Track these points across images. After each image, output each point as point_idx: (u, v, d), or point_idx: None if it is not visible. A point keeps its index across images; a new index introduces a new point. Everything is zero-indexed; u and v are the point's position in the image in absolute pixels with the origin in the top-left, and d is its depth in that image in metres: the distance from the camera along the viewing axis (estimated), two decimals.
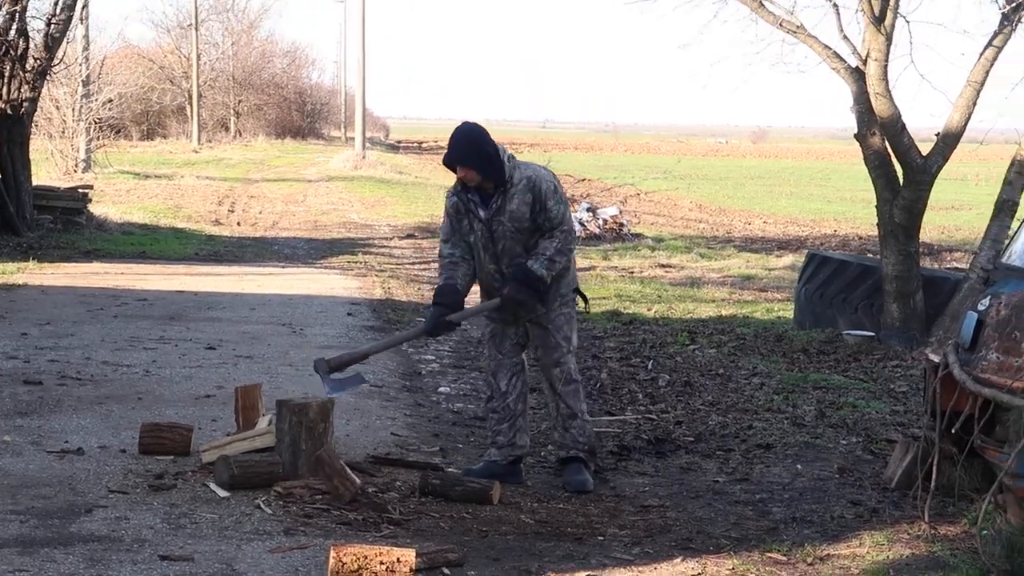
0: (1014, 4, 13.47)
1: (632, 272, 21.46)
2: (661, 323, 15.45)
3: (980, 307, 7.81)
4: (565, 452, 8.40)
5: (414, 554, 6.28)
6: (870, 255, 20.02)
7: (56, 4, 23.10)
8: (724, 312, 16.63)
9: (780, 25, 14.48)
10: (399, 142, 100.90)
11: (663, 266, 22.68)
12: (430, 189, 39.33)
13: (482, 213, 8.06)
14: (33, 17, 23.14)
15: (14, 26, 22.52)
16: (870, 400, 11.06)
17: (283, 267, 20.30)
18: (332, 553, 6.21)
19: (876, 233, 27.49)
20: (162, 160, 50.82)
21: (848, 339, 13.82)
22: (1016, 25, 13.89)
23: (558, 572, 6.63)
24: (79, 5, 23.67)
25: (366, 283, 18.17)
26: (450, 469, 8.46)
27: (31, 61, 22.94)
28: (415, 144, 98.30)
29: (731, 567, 6.84)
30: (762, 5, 14.39)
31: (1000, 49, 13.92)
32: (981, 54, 13.93)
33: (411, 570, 6.20)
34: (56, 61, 24.35)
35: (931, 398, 7.96)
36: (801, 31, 14.44)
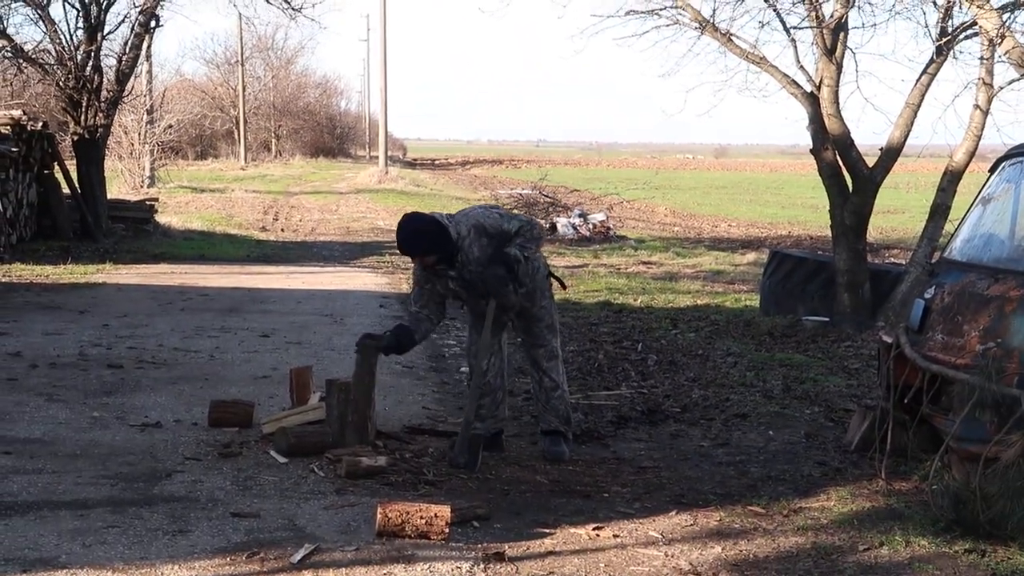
0: (946, 39, 13.45)
1: (619, 268, 21.40)
2: (646, 311, 15.39)
3: (926, 295, 7.81)
4: (547, 425, 8.25)
5: (449, 510, 6.26)
6: (821, 252, 19.96)
7: (126, 44, 23.07)
8: (699, 302, 16.56)
9: (746, 57, 14.43)
10: (415, 160, 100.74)
11: (645, 263, 22.62)
12: (444, 199, 39.26)
13: (452, 272, 7.81)
14: (106, 55, 23.13)
15: (90, 63, 22.50)
16: (828, 375, 11.03)
17: (323, 267, 20.25)
18: (379, 510, 6.19)
19: (825, 234, 27.50)
20: (214, 176, 50.71)
21: (807, 324, 13.79)
22: (947, 57, 13.87)
23: (571, 524, 6.60)
24: (145, 45, 23.59)
25: (393, 279, 18.12)
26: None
27: (104, 93, 22.92)
28: (429, 161, 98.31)
29: (718, 519, 6.82)
30: (730, 40, 14.32)
31: (933, 76, 13.90)
32: (917, 80, 13.92)
33: (446, 523, 6.19)
34: (126, 93, 24.33)
35: (885, 373, 7.95)
36: (764, 62, 14.40)
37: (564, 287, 8.55)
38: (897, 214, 37.49)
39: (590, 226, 27.95)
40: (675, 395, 10.16)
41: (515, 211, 8.12)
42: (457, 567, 5.82)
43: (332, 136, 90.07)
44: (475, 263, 7.75)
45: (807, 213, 39.85)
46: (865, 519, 6.77)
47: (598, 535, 6.45)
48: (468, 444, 7.74)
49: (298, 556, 5.83)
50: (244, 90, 69.14)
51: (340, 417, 7.79)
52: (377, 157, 60.15)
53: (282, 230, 28.24)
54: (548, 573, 5.83)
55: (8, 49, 21.59)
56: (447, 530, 6.19)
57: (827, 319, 13.91)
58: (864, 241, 14.08)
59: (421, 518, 6.17)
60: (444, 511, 6.23)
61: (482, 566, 5.87)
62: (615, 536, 6.45)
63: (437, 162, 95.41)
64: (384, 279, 18.26)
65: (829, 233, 16.72)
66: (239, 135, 68.70)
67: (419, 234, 7.69)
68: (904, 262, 18.41)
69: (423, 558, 5.91)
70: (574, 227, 27.79)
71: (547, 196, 31.97)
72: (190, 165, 58.63)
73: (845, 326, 13.54)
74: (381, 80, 55.69)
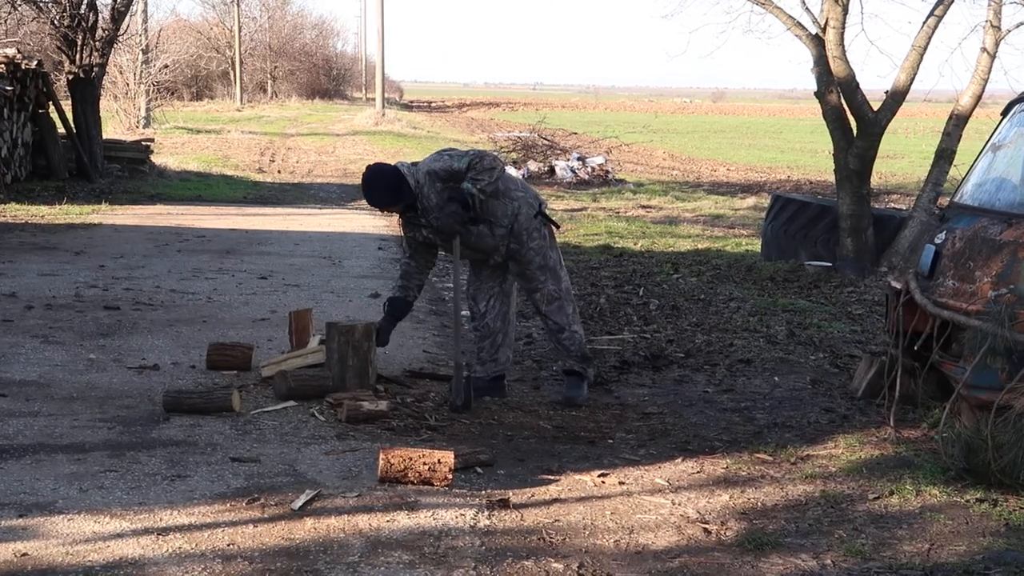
0: None
1: (618, 212, 21.23)
2: (647, 255, 15.26)
3: (937, 240, 7.66)
4: (563, 364, 8.23)
5: (452, 456, 6.16)
6: (821, 196, 19.82)
7: None
8: (700, 246, 16.43)
9: None
10: (412, 102, 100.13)
11: (644, 207, 22.45)
12: (441, 142, 38.89)
13: (422, 220, 7.80)
14: None
15: (85, 1, 22.24)
16: (831, 321, 10.92)
17: (320, 208, 20.08)
18: (381, 455, 6.09)
19: (825, 178, 27.35)
20: (210, 118, 50.41)
21: (809, 269, 13.67)
22: None
23: (576, 471, 6.50)
24: None
25: (391, 222, 17.82)
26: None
27: (100, 31, 22.68)
28: (425, 103, 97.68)
29: (725, 466, 6.71)
30: None
31: (940, 18, 13.74)
32: (924, 22, 13.76)
33: (449, 469, 6.09)
34: (121, 31, 24.06)
35: (893, 320, 7.83)
36: (768, 3, 14.22)
37: (557, 227, 8.38)
38: (896, 159, 37.25)
39: (589, 169, 27.76)
40: (678, 340, 10.04)
41: (502, 152, 7.96)
42: (461, 514, 5.72)
43: (328, 78, 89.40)
44: (435, 209, 7.70)
45: (806, 157, 39.66)
46: (874, 467, 6.66)
47: (603, 482, 6.35)
48: (462, 386, 7.65)
49: (299, 502, 5.72)
50: (240, 30, 68.59)
51: (341, 360, 7.68)
52: (373, 99, 59.72)
53: (279, 171, 28.01)
54: (553, 520, 5.72)
55: None
56: (450, 476, 6.08)
57: (830, 264, 13.79)
58: (868, 186, 13.93)
59: (424, 464, 6.07)
60: (447, 457, 6.12)
61: (486, 513, 5.76)
62: (620, 483, 6.35)
63: (433, 104, 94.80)
64: (382, 221, 18.06)
65: (829, 177, 16.56)
66: (235, 76, 68.19)
67: (379, 187, 7.72)
68: (904, 207, 18.32)
69: (426, 505, 5.81)
70: (572, 170, 27.60)
71: (545, 139, 31.71)
72: (186, 106, 58.28)
73: (848, 271, 13.43)
74: (378, 21, 55.21)
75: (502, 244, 7.90)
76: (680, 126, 62.99)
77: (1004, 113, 8.19)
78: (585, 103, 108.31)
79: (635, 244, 16.39)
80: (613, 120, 63.39)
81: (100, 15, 22.73)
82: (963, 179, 8.21)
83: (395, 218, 8.11)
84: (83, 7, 22.14)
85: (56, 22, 22.13)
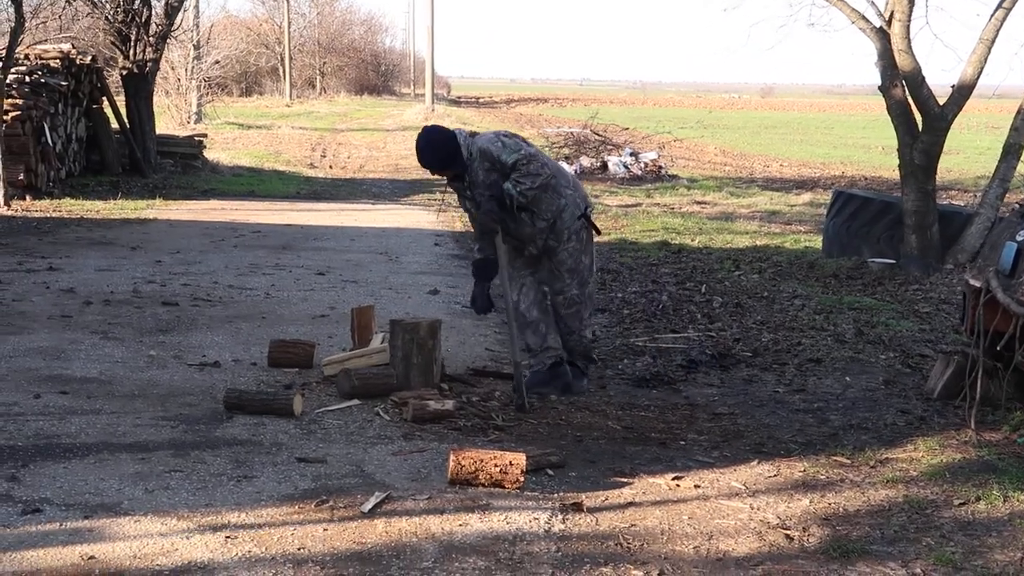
0: None
1: (673, 208, 21.02)
2: (705, 252, 15.05)
3: (1019, 238, 7.43)
4: (569, 356, 8.14)
5: (524, 457, 6.00)
6: (880, 192, 19.50)
7: None
8: (758, 242, 16.21)
9: None
10: (459, 98, 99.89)
11: (699, 203, 22.23)
12: None
13: (468, 192, 7.74)
14: None
15: None
16: (899, 319, 10.68)
17: (373, 204, 19.96)
18: (452, 457, 5.93)
19: (879, 173, 27.02)
20: (260, 113, 50.40)
21: (872, 266, 13.43)
22: None
23: (649, 473, 6.33)
24: None
25: (446, 217, 17.76)
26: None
27: (153, 27, 22.66)
28: (473, 99, 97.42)
29: (802, 469, 6.51)
30: None
31: (1009, 10, 13.43)
32: (992, 14, 13.46)
33: (521, 471, 5.94)
34: (174, 27, 24.05)
35: (974, 319, 7.61)
36: None
37: (599, 232, 8.25)
38: (951, 155, 36.75)
39: (641, 165, 27.51)
40: (744, 339, 9.84)
41: (553, 148, 7.85)
42: (535, 518, 5.56)
43: (376, 73, 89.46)
44: (481, 186, 7.67)
45: (859, 153, 39.21)
46: (957, 471, 6.45)
47: (678, 485, 6.17)
48: (523, 386, 7.50)
49: (369, 505, 5.57)
50: (289, 26, 68.69)
51: (405, 358, 7.54)
52: (421, 95, 59.66)
53: (330, 167, 27.92)
54: (629, 525, 5.55)
55: None
56: (522, 479, 5.92)
57: (893, 261, 13.54)
58: (933, 181, 13.66)
59: (496, 466, 5.91)
60: (519, 459, 5.96)
61: (560, 517, 5.60)
62: (696, 487, 6.17)
63: (481, 100, 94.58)
64: (436, 217, 17.97)
65: (883, 173, 16.27)
66: (284, 72, 68.33)
67: (432, 149, 7.66)
68: (962, 203, 18.01)
69: (499, 508, 5.65)
70: (625, 166, 27.37)
71: (597, 134, 31.51)
72: (235, 102, 58.39)
73: (912, 268, 13.17)
74: (428, 17, 55.15)
75: (540, 237, 7.83)
76: (730, 122, 62.46)
77: None
78: (633, 98, 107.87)
79: (693, 240, 16.18)
80: (662, 116, 63.03)
81: (153, 10, 22.72)
82: None
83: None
84: (137, 2, 22.13)
85: (110, 18, 22.11)
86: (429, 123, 8.65)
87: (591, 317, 8.26)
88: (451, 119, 50.07)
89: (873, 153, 39.27)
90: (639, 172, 27.03)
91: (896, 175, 28.79)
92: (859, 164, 34.32)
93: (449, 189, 8.02)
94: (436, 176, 7.94)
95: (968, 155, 36.03)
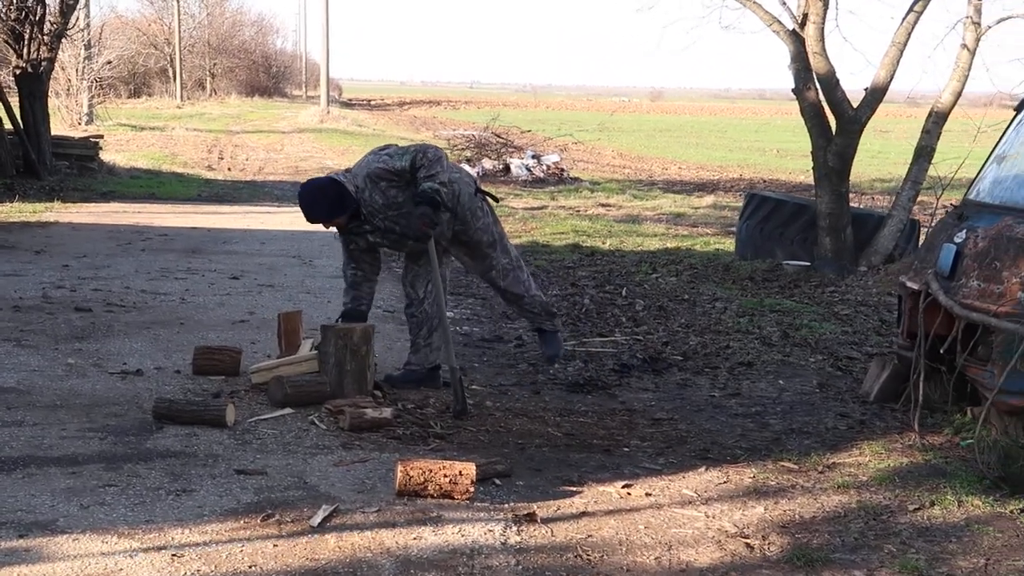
0: None
1: (579, 211, 20.93)
2: (618, 254, 14.97)
3: (956, 239, 7.39)
4: (532, 324, 8.25)
5: (474, 467, 5.82)
6: (784, 193, 19.56)
7: None
8: (669, 245, 16.15)
9: None
10: (351, 100, 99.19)
11: (603, 205, 22.16)
12: (388, 139, 38.40)
13: (367, 226, 7.60)
14: None
15: None
16: (821, 322, 10.66)
17: (278, 207, 19.57)
18: (399, 468, 5.74)
19: (774, 177, 27.24)
20: (151, 115, 49.57)
21: (787, 268, 13.44)
22: None
23: (597, 482, 6.18)
24: None
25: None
26: (474, 386, 7.96)
27: (48, 26, 22.09)
28: (365, 101, 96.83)
29: (751, 475, 6.41)
30: None
31: (919, 14, 13.50)
32: (903, 18, 13.53)
33: (471, 482, 5.76)
34: (70, 25, 23.48)
35: (907, 320, 7.58)
36: None
37: (496, 200, 8.20)
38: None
39: (544, 167, 27.43)
40: (672, 342, 9.74)
41: (454, 151, 7.74)
42: (489, 530, 5.38)
43: (268, 75, 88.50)
44: (383, 209, 7.53)
45: (755, 156, 39.59)
46: (907, 476, 6.39)
47: (629, 494, 6.03)
48: (461, 393, 7.33)
49: (317, 519, 5.36)
50: (180, 27, 67.75)
51: (338, 365, 7.32)
52: (313, 97, 59.22)
53: (229, 169, 27.42)
54: (586, 536, 5.40)
55: None
56: (472, 489, 5.75)
57: (808, 263, 13.56)
58: (847, 184, 13.69)
59: (445, 476, 5.73)
60: (469, 469, 5.78)
61: (514, 528, 5.43)
62: (647, 495, 6.03)
63: (373, 103, 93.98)
64: None
65: (780, 176, 16.29)
66: (174, 73, 67.33)
67: (320, 200, 7.54)
68: (859, 205, 18.12)
69: (451, 520, 5.47)
70: (528, 168, 27.26)
71: (499, 136, 31.39)
72: (125, 103, 57.43)
73: (827, 270, 13.20)
74: (323, 20, 54.60)
75: (448, 228, 7.75)
76: (624, 125, 62.67)
77: (1019, 108, 7.95)
78: (524, 101, 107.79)
79: (604, 243, 16.09)
80: (556, 119, 63.08)
81: (48, 9, 22.14)
82: (976, 176, 7.97)
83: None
84: (31, 0, 21.56)
85: (3, 15, 21.51)
86: (310, 169, 8.55)
87: (530, 277, 8.28)
88: (346, 121, 49.78)
89: (769, 156, 39.67)
90: (541, 175, 26.95)
91: (795, 177, 29.28)
92: (756, 167, 34.63)
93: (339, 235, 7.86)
94: (330, 228, 7.79)
95: (859, 158, 36.42)
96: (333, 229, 7.85)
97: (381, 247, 7.82)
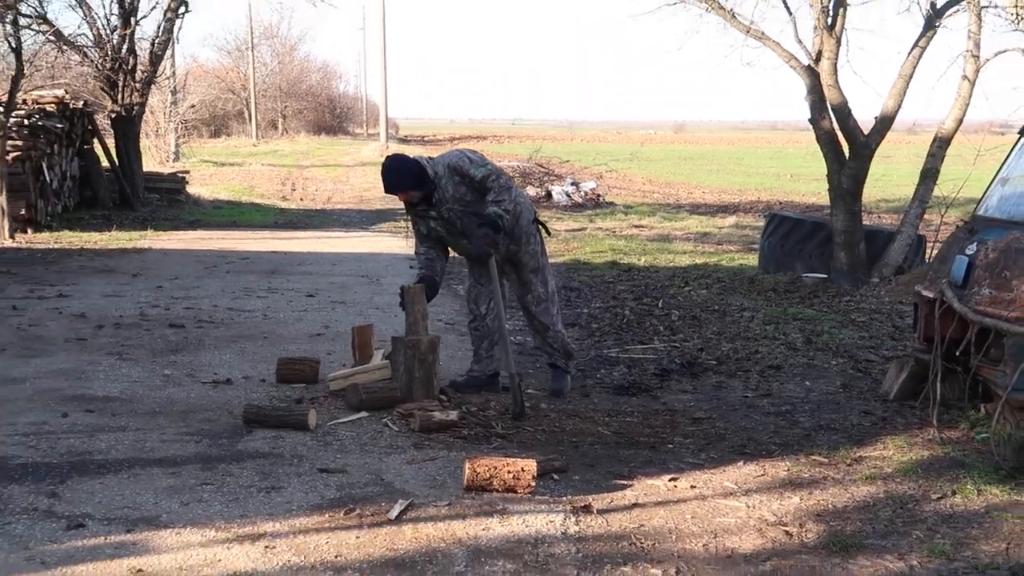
0: (936, 9, 12.96)
1: (614, 231, 20.79)
2: (652, 270, 14.84)
3: (968, 251, 7.25)
4: (548, 358, 8.05)
5: (535, 464, 5.73)
6: (810, 214, 19.38)
7: (158, 27, 22.45)
8: (698, 261, 16.01)
9: (748, 32, 13.88)
10: (407, 136, 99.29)
11: (636, 226, 22.02)
12: None
13: (432, 212, 7.51)
14: (139, 38, 22.44)
15: (125, 46, 21.82)
16: (840, 328, 10.50)
17: (346, 232, 19.57)
18: (467, 465, 5.65)
19: (789, 199, 27.03)
20: (230, 152, 49.76)
21: (807, 280, 13.29)
22: (936, 30, 13.35)
23: (646, 475, 6.07)
24: (175, 29, 22.83)
25: (414, 242, 17.43)
26: (529, 390, 7.86)
27: (139, 74, 22.21)
28: (419, 137, 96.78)
29: (786, 468, 6.29)
30: (734, 17, 13.78)
31: (924, 49, 13.36)
32: (909, 53, 13.37)
33: (533, 477, 5.67)
34: (158, 73, 23.61)
35: (931, 327, 7.43)
36: (766, 38, 13.84)
37: (549, 233, 8.12)
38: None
39: (582, 193, 27.30)
40: (707, 348, 9.62)
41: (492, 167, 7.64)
42: (550, 520, 5.28)
43: (332, 115, 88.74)
44: (451, 200, 7.47)
45: (771, 180, 39.27)
46: (928, 468, 6.25)
47: (675, 486, 5.92)
48: (520, 396, 7.24)
49: (395, 512, 5.27)
50: (254, 74, 68.14)
51: (408, 372, 7.24)
52: (374, 134, 59.34)
53: (301, 199, 27.47)
54: (638, 525, 5.29)
55: (49, 34, 20.79)
56: (534, 484, 5.65)
57: (825, 276, 13.40)
58: (860, 203, 13.52)
59: (509, 472, 5.63)
60: (530, 465, 5.69)
61: (573, 519, 5.33)
62: (692, 487, 5.91)
63: (426, 138, 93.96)
64: (406, 242, 17.64)
65: (794, 198, 16.02)
66: (249, 115, 67.76)
67: (400, 172, 7.46)
68: (870, 223, 17.92)
69: (515, 512, 5.37)
70: (567, 194, 27.14)
71: (542, 166, 31.31)
72: (207, 143, 57.75)
73: (843, 282, 13.05)
74: (381, 64, 54.81)
75: (502, 244, 7.63)
76: (652, 155, 62.42)
77: (1023, 132, 7.81)
78: (561, 135, 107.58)
79: (639, 260, 15.97)
80: (591, 150, 62.85)
81: (138, 59, 22.26)
82: (984, 195, 7.83)
83: (413, 240, 7.76)
84: (123, 51, 21.69)
85: (99, 65, 21.65)
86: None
87: (559, 314, 8.10)
88: None
89: (783, 180, 39.37)
90: (580, 200, 26.82)
91: (807, 199, 29.05)
92: (772, 190, 34.37)
93: (408, 217, 7.80)
94: (402, 200, 7.66)
95: (880, 179, 36.11)
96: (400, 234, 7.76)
97: (439, 236, 7.67)
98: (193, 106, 43.07)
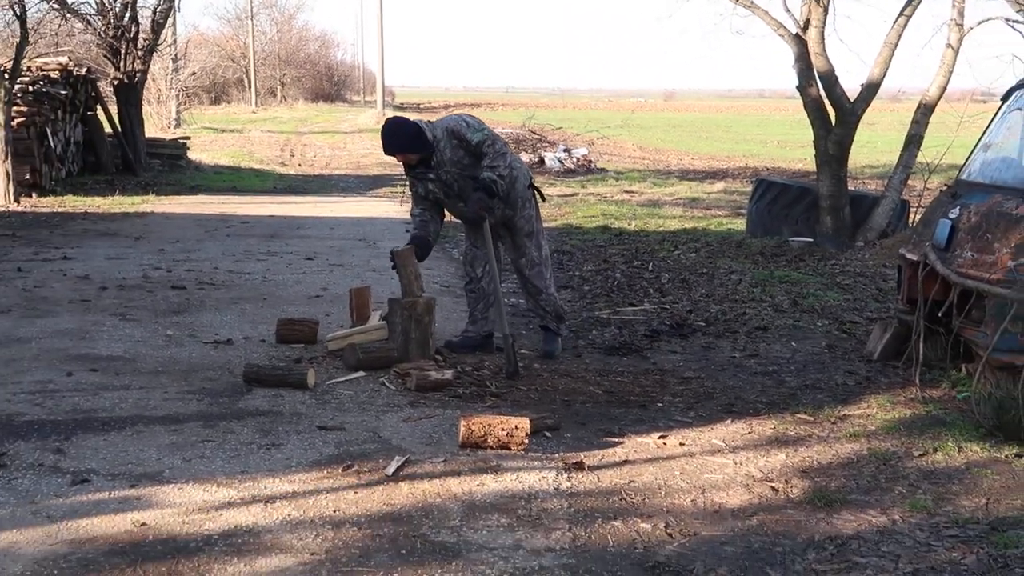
0: None
1: (606, 197, 20.74)
2: (642, 234, 14.81)
3: (951, 215, 7.24)
4: (541, 321, 8.00)
5: (528, 422, 5.73)
6: (797, 179, 19.32)
7: None
8: (687, 225, 15.98)
9: (737, 0, 13.81)
10: (403, 103, 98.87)
11: (627, 192, 21.97)
12: None
13: (431, 174, 7.48)
14: (141, 7, 22.32)
15: (127, 14, 21.70)
16: (825, 291, 10.50)
17: (344, 197, 19.52)
18: (462, 422, 5.65)
19: (776, 165, 26.98)
20: (230, 119, 49.52)
21: (793, 244, 13.28)
22: None
23: (636, 433, 6.08)
24: None
25: (409, 206, 17.37)
26: (522, 351, 7.84)
27: (141, 42, 22.10)
28: (415, 105, 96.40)
29: (772, 426, 6.29)
30: None
31: (909, 17, 13.31)
32: (895, 21, 13.32)
33: (526, 435, 5.67)
34: (160, 41, 23.48)
35: (907, 287, 7.45)
36: (754, 6, 13.79)
37: (544, 199, 8.06)
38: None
39: (574, 160, 27.25)
40: (695, 310, 9.61)
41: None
42: (543, 476, 5.29)
43: (330, 83, 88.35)
44: (449, 164, 7.43)
45: (758, 147, 39.19)
46: (911, 425, 6.26)
47: (665, 443, 5.92)
48: (514, 356, 7.23)
49: (391, 468, 5.27)
50: (253, 42, 67.78)
51: (404, 333, 7.23)
52: (371, 101, 59.12)
53: (299, 165, 27.39)
54: (629, 481, 5.29)
55: (53, 2, 20.64)
56: (527, 441, 5.66)
57: (811, 240, 13.39)
58: (845, 169, 13.50)
59: (503, 430, 5.64)
60: (524, 423, 5.69)
61: (565, 475, 5.34)
62: (681, 444, 5.92)
63: (422, 106, 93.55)
64: (401, 206, 17.59)
65: (780, 164, 16.02)
66: (249, 82, 67.43)
67: (399, 134, 7.45)
68: (855, 188, 17.89)
69: (509, 468, 5.38)
70: (560, 160, 27.08)
71: (535, 133, 31.21)
72: (207, 109, 57.41)
73: (828, 246, 13.04)
74: (378, 34, 54.48)
75: (496, 208, 7.57)
76: (642, 122, 62.21)
77: (1005, 98, 7.79)
78: (553, 103, 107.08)
79: (629, 224, 15.94)
80: (582, 117, 62.62)
81: (141, 27, 22.14)
82: (967, 160, 7.80)
83: (409, 204, 7.73)
84: (126, 19, 21.57)
85: (102, 33, 21.53)
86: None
87: (552, 278, 8.06)
88: None
89: (770, 147, 39.29)
90: (572, 166, 26.76)
91: (794, 165, 28.99)
92: (759, 156, 34.29)
93: (406, 180, 7.76)
94: (400, 161, 7.65)
95: (864, 146, 36.01)
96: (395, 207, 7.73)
97: (436, 198, 7.64)
98: (194, 73, 42.89)
